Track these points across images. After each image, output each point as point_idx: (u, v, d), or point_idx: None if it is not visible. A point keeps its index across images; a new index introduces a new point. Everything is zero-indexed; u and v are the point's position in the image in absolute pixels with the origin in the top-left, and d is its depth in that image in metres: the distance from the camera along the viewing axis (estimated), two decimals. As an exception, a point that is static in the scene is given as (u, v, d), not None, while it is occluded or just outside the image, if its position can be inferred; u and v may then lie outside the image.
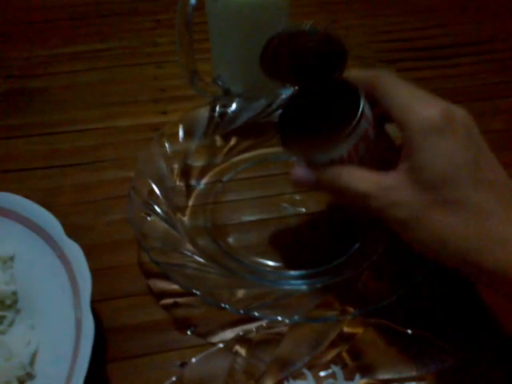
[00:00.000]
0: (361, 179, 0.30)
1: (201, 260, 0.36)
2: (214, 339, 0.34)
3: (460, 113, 0.29)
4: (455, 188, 0.27)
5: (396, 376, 0.29)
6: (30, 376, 0.30)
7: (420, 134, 0.28)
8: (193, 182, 0.44)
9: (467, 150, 0.28)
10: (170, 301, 0.36)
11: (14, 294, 0.34)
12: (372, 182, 0.29)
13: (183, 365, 0.32)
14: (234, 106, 0.47)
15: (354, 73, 0.32)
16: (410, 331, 0.30)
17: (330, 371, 0.29)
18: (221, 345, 0.29)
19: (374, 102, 0.31)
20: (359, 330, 0.31)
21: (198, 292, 0.32)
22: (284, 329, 0.30)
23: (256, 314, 0.31)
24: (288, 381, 0.29)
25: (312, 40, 0.30)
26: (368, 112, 0.31)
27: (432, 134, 0.28)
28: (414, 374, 0.29)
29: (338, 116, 0.32)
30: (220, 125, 0.47)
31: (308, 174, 0.32)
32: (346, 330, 0.31)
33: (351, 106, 0.31)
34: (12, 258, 0.35)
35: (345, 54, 0.31)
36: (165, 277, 0.37)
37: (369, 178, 0.30)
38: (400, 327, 0.30)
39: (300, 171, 0.32)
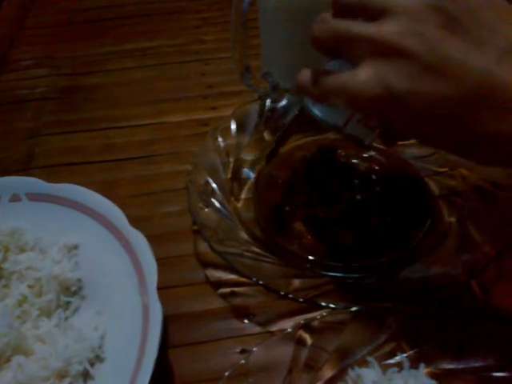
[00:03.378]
0: None
1: (256, 250, 0.37)
2: (273, 328, 0.34)
3: None
4: None
5: (461, 366, 0.29)
6: (100, 359, 0.31)
7: None
8: (245, 174, 0.45)
9: None
10: (227, 290, 0.37)
11: (79, 280, 0.36)
12: None
13: (243, 352, 0.33)
14: (283, 101, 0.48)
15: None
16: (472, 321, 0.29)
17: (393, 360, 0.29)
18: (288, 330, 0.30)
19: None
20: (418, 321, 0.31)
21: (259, 280, 0.33)
22: (345, 318, 0.31)
23: (319, 302, 0.31)
24: (353, 369, 0.29)
25: None
26: None
27: None
28: (479, 364, 0.28)
29: None
30: (270, 120, 0.47)
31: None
32: (405, 320, 0.31)
33: None
34: (77, 247, 0.37)
35: None
36: (221, 267, 0.38)
37: None
38: (462, 317, 0.30)
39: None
